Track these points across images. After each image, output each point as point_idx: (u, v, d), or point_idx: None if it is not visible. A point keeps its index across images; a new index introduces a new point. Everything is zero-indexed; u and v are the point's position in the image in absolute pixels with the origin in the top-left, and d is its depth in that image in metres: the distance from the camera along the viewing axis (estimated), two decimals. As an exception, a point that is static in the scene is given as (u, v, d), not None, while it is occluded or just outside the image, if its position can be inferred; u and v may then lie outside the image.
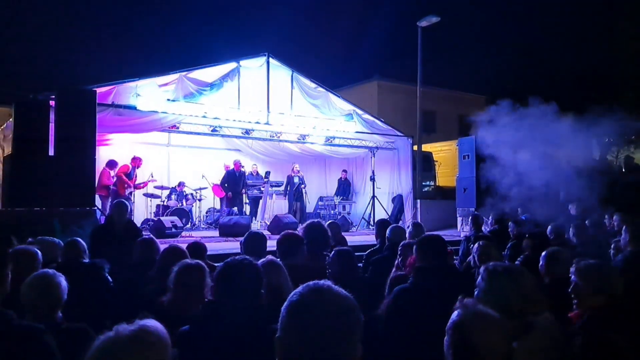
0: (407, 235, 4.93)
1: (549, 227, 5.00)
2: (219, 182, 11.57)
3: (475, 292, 2.02)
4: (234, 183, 11.16)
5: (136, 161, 9.98)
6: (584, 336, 1.95)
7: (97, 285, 3.23)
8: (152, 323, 1.18)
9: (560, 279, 2.89)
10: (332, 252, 3.39)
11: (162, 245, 4.04)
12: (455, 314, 1.44)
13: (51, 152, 6.62)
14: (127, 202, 5.87)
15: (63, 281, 2.36)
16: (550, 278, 2.96)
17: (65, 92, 6.96)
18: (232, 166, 11.47)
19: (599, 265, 2.34)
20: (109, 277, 3.34)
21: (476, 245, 3.36)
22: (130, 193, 9.69)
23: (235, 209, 11.14)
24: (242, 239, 3.79)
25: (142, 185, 10.31)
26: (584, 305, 2.24)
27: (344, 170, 12.97)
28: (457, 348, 1.40)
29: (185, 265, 2.57)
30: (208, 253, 4.31)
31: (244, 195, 11.45)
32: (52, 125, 6.68)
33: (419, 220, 11.03)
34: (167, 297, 2.51)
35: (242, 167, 11.50)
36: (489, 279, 1.98)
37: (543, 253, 3.12)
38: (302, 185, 11.86)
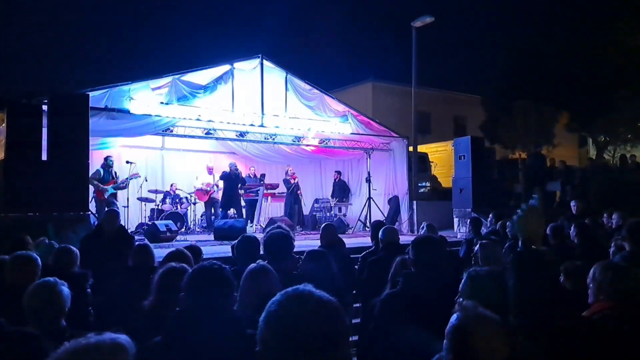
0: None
1: (548, 227, 4.98)
2: (199, 189, 11.46)
3: (459, 298, 1.99)
4: (230, 186, 11.06)
5: (106, 160, 9.28)
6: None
7: (78, 295, 3.17)
8: (116, 337, 1.14)
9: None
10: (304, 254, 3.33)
11: (157, 249, 4.01)
12: (454, 317, 1.41)
13: (44, 157, 6.56)
14: (117, 210, 5.79)
15: (65, 289, 2.35)
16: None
17: (58, 97, 6.91)
18: (214, 170, 11.43)
19: (606, 266, 2.30)
20: (89, 289, 3.28)
21: (478, 246, 3.31)
22: (113, 195, 9.23)
23: (233, 211, 11.07)
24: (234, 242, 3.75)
25: (123, 184, 9.41)
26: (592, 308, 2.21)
27: (337, 172, 12.93)
28: (457, 351, 1.37)
29: (168, 268, 2.52)
30: (203, 257, 4.28)
31: (241, 198, 11.38)
32: (44, 130, 6.63)
33: (415, 222, 11.04)
34: (148, 300, 2.47)
35: (237, 169, 11.44)
36: (471, 283, 1.97)
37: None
38: (298, 191, 11.84)
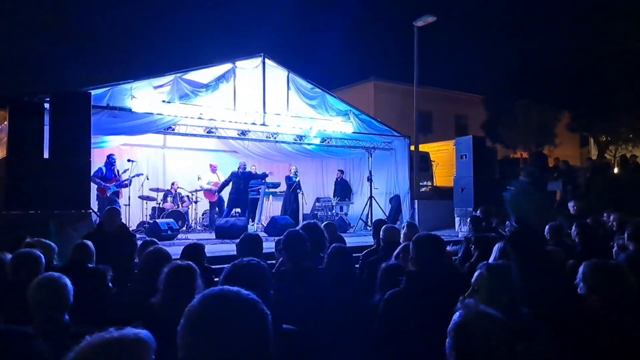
0: (401, 236, 4.91)
1: (546, 227, 4.98)
2: (208, 189, 11.52)
3: (474, 288, 1.99)
4: (239, 184, 11.12)
5: (108, 159, 9.34)
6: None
7: (99, 290, 3.19)
8: (137, 333, 1.15)
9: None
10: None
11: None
12: (457, 314, 1.41)
13: (46, 155, 6.57)
14: (118, 208, 5.80)
15: (69, 283, 2.36)
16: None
17: (60, 95, 6.91)
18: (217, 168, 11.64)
19: (595, 264, 2.31)
20: (111, 284, 3.31)
21: (497, 246, 3.25)
22: (115, 193, 9.25)
23: (239, 210, 11.12)
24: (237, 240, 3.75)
25: (125, 182, 9.45)
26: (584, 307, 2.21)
27: (340, 170, 12.94)
28: (460, 349, 1.37)
29: (175, 266, 2.54)
30: (206, 255, 4.28)
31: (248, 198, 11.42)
32: (46, 128, 6.64)
33: (417, 221, 11.03)
34: (157, 298, 2.48)
35: (246, 168, 11.50)
36: (490, 275, 1.97)
37: None
38: (298, 190, 11.85)
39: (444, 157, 15.11)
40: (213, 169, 11.71)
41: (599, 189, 11.10)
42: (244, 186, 11.07)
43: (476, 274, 1.99)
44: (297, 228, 3.58)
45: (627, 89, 16.04)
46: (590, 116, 17.61)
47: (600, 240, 4.55)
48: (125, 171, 9.64)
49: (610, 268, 2.28)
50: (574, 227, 4.69)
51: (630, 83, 15.90)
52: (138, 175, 9.89)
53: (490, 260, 3.12)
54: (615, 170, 14.01)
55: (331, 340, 2.00)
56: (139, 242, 4.64)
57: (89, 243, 3.80)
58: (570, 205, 7.84)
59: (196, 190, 11.36)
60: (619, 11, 15.73)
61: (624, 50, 15.76)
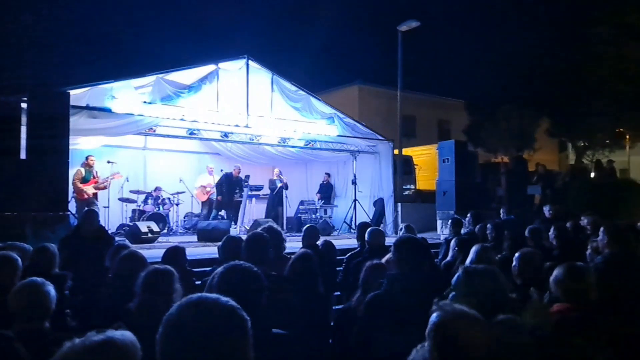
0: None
1: (527, 230, 5.06)
2: (201, 186, 11.48)
3: (452, 292, 2.01)
4: (230, 188, 11.10)
5: (87, 160, 9.11)
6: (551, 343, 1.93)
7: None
8: (123, 335, 1.12)
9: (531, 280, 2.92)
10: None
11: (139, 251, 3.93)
12: (434, 315, 1.41)
13: (23, 156, 6.41)
14: (96, 210, 5.69)
15: (52, 290, 2.31)
16: (522, 279, 2.99)
17: (38, 94, 6.75)
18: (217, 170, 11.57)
19: (568, 267, 2.36)
20: (67, 292, 3.21)
21: (475, 248, 3.26)
22: (94, 195, 9.06)
23: (223, 213, 11.05)
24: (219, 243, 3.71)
25: (103, 184, 9.24)
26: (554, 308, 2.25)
27: (327, 174, 12.96)
28: (442, 348, 1.38)
29: (153, 270, 2.50)
30: (187, 258, 4.23)
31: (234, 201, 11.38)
32: (23, 128, 6.48)
33: (399, 223, 11.09)
34: (134, 303, 2.44)
35: (240, 173, 11.45)
36: (467, 278, 1.98)
37: (516, 254, 3.13)
38: (284, 189, 11.82)
39: (427, 161, 15.25)
40: (210, 171, 11.74)
41: (576, 193, 11.33)
42: (228, 189, 11.04)
43: (456, 275, 2.01)
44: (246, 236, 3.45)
45: (603, 95, 16.42)
46: (569, 122, 18.01)
47: (577, 243, 4.64)
48: (117, 173, 9.59)
49: (577, 271, 2.33)
50: (552, 230, 4.77)
51: (606, 89, 16.29)
52: (113, 174, 9.75)
53: (467, 261, 3.15)
54: (592, 174, 14.33)
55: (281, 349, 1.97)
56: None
57: (51, 246, 3.66)
58: (546, 209, 7.99)
59: (178, 193, 11.21)
60: (596, 18, 16.11)
61: (599, 56, 16.14)
